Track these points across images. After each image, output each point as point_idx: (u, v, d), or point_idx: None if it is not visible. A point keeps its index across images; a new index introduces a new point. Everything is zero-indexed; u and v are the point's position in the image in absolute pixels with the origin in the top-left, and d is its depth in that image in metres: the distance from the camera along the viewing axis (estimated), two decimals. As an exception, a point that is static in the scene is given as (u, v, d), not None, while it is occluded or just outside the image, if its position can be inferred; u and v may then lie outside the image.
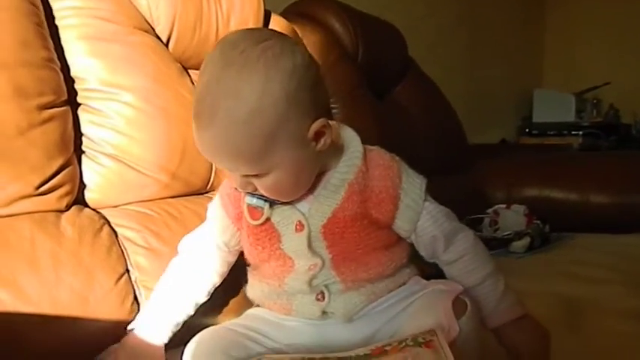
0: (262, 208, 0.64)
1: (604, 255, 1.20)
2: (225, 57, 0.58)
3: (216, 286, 0.73)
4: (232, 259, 0.73)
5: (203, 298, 0.72)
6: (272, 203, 0.64)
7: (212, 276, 0.72)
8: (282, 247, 0.65)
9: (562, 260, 1.18)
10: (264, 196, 0.63)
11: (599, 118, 2.99)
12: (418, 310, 0.62)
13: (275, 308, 0.68)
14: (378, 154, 0.68)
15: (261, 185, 0.61)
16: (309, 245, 0.64)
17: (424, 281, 0.68)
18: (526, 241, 1.30)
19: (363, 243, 0.65)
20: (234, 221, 0.69)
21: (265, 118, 0.57)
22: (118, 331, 0.68)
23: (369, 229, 0.65)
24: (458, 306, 0.59)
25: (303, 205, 0.65)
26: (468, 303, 0.61)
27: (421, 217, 0.67)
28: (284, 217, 0.65)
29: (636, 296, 0.90)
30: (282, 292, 0.66)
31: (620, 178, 1.54)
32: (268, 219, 0.65)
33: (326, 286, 0.65)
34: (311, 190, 0.65)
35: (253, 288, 0.71)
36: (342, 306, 0.65)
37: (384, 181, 0.66)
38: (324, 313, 0.65)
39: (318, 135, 0.61)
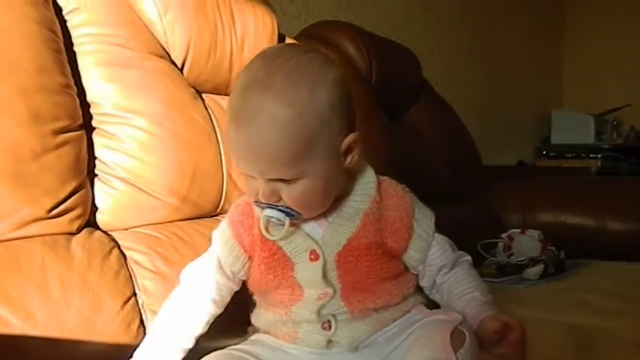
0: (283, 223, 0.62)
1: (618, 283, 1.18)
2: (270, 64, 0.60)
3: (216, 316, 0.70)
4: (237, 287, 0.71)
5: (201, 330, 0.69)
6: (292, 217, 0.62)
7: (211, 307, 0.69)
8: (294, 276, 0.65)
9: (575, 288, 1.16)
10: (285, 209, 0.62)
11: (620, 140, 2.94)
12: (416, 341, 0.61)
13: (280, 336, 0.68)
14: (390, 184, 0.70)
15: (289, 194, 0.60)
16: (324, 275, 0.64)
17: (427, 310, 0.68)
18: (540, 268, 1.28)
19: (375, 273, 0.66)
20: (247, 249, 0.68)
21: (309, 122, 0.58)
22: (122, 354, 0.69)
23: (382, 259, 0.66)
24: (456, 337, 0.59)
25: (317, 232, 0.65)
26: (467, 334, 0.60)
27: (432, 247, 0.69)
28: (296, 246, 0.64)
29: (650, 329, 0.88)
30: (288, 320, 0.66)
31: (637, 204, 1.52)
32: (280, 248, 0.64)
33: (333, 315, 0.65)
34: (324, 215, 0.65)
35: (259, 315, 0.71)
36: (348, 335, 0.65)
37: (399, 211, 0.67)
38: (329, 342, 0.65)
39: (349, 150, 0.63)
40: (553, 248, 1.36)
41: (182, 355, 0.67)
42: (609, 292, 1.11)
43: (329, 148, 0.61)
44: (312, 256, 0.64)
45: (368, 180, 0.67)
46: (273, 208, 0.62)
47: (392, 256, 0.68)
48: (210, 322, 0.70)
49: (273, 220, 0.62)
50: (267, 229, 0.63)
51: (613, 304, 1.04)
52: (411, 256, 0.69)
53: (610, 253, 1.42)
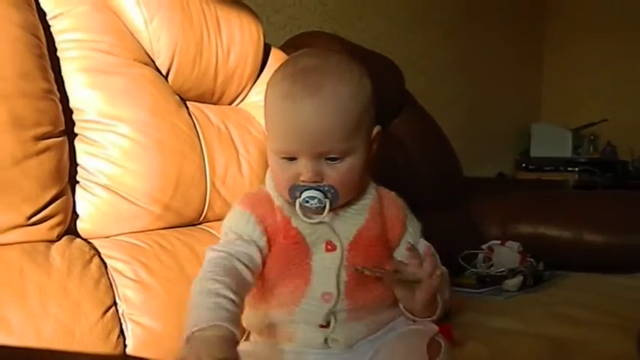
0: (320, 206, 0.63)
1: (595, 296, 1.20)
2: (319, 54, 0.67)
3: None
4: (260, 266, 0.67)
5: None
6: (331, 200, 0.64)
7: (246, 272, 0.63)
8: (310, 264, 0.66)
9: (553, 301, 1.17)
10: (324, 189, 0.63)
11: (596, 154, 3.00)
12: (393, 350, 0.63)
13: (275, 336, 0.67)
14: (384, 189, 0.74)
15: (335, 172, 0.63)
16: (340, 265, 0.65)
17: (407, 320, 0.69)
18: (519, 279, 1.29)
19: (379, 265, 0.67)
20: (270, 236, 0.66)
21: (362, 102, 0.64)
22: (102, 365, 0.68)
23: (385, 252, 0.70)
24: (433, 347, 0.61)
25: (332, 225, 0.67)
26: (443, 344, 0.62)
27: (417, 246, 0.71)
28: (319, 236, 0.66)
29: (625, 340, 0.90)
30: (289, 320, 0.66)
31: (615, 217, 1.55)
32: (303, 238, 0.65)
33: (333, 313, 0.65)
34: (335, 210, 0.67)
35: (255, 317, 0.68)
36: (345, 333, 0.65)
37: (395, 209, 0.72)
38: (325, 340, 0.65)
39: (374, 140, 0.69)
40: (532, 260, 1.38)
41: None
42: (586, 305, 1.13)
43: (368, 131, 0.67)
44: (329, 247, 0.66)
45: (368, 182, 0.71)
46: (311, 189, 0.63)
47: (390, 251, 0.71)
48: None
49: (310, 204, 0.63)
50: (303, 213, 0.65)
51: (589, 316, 1.06)
52: (401, 252, 0.71)
53: (587, 264, 1.44)
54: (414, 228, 0.73)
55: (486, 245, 1.47)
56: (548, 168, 2.81)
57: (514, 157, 3.04)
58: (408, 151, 1.61)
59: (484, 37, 2.79)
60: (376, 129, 0.68)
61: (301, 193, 0.63)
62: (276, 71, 0.67)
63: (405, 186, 1.43)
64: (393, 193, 0.74)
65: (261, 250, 0.65)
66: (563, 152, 2.86)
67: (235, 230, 0.66)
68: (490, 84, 2.85)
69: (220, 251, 0.63)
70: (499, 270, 1.36)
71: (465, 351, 0.87)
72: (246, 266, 0.63)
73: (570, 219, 1.58)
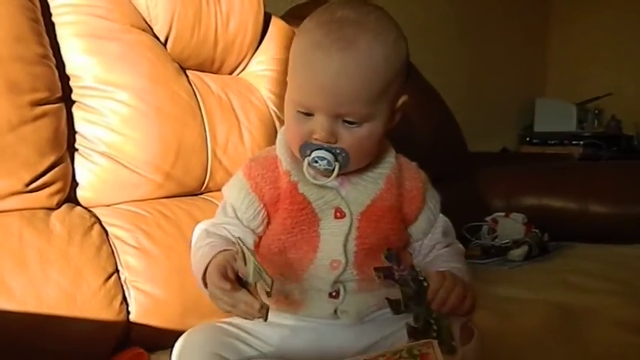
0: (329, 168, 0.60)
1: (601, 265, 1.19)
2: (358, 9, 0.61)
3: None
4: (253, 243, 0.67)
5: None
6: (341, 163, 0.61)
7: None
8: (319, 231, 0.64)
9: (559, 269, 1.17)
10: (335, 151, 0.60)
11: (601, 128, 2.97)
12: None
13: (282, 304, 0.65)
14: (405, 159, 0.71)
15: (352, 136, 0.60)
16: (348, 232, 0.64)
17: None
18: (524, 249, 1.29)
19: (392, 237, 0.66)
20: (267, 204, 0.65)
21: (394, 65, 0.59)
22: (105, 331, 0.67)
23: (399, 225, 0.67)
24: (465, 333, 0.58)
25: (341, 191, 0.65)
26: (475, 331, 0.59)
27: (437, 224, 0.70)
28: (326, 202, 0.64)
29: (632, 306, 0.89)
30: (296, 287, 0.64)
31: (620, 188, 1.53)
32: (310, 203, 0.63)
33: (343, 284, 0.64)
34: (348, 177, 0.65)
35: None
36: (356, 305, 0.64)
37: (415, 182, 0.68)
38: (335, 312, 0.64)
39: (399, 109, 0.63)
40: (537, 231, 1.37)
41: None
42: (593, 273, 1.12)
43: (394, 98, 0.62)
44: (338, 214, 0.64)
45: (387, 149, 0.68)
46: (322, 149, 0.60)
47: (404, 225, 0.68)
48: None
49: (319, 164, 0.61)
50: (311, 175, 0.62)
51: (596, 284, 1.05)
52: (418, 227, 0.68)
53: (592, 235, 1.43)
54: (434, 203, 0.69)
55: (490, 217, 1.46)
56: (552, 142, 2.78)
57: (518, 132, 3.02)
58: (412, 124, 1.59)
59: (488, 10, 2.74)
60: (402, 98, 0.63)
61: (312, 152, 0.61)
62: (310, 17, 0.62)
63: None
64: (414, 164, 0.70)
65: (253, 231, 0.65)
66: (568, 127, 2.83)
67: (233, 204, 0.66)
68: (494, 58, 2.81)
69: (214, 223, 0.65)
70: (504, 241, 1.35)
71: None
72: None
73: (574, 190, 1.56)
